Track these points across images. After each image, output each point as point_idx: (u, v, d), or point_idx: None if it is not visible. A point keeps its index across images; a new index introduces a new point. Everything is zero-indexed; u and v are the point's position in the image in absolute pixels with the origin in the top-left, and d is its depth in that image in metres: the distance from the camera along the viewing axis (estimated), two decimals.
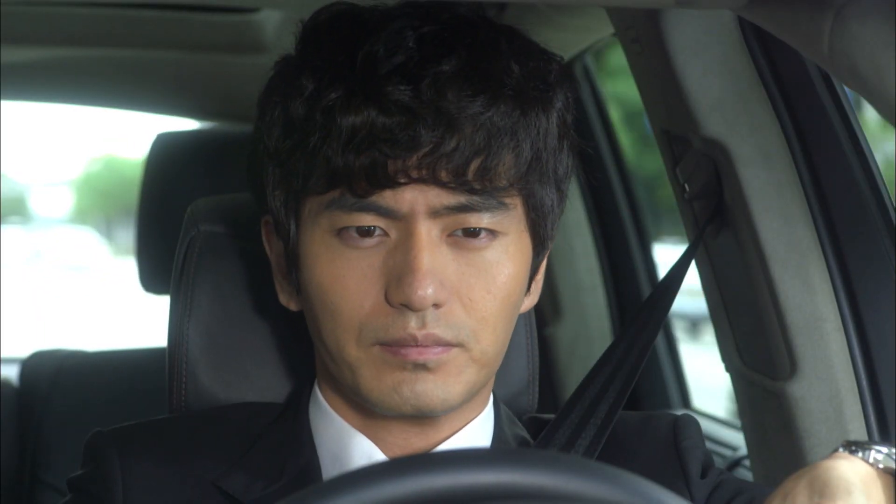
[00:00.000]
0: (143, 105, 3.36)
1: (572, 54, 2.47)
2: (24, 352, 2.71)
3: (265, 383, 1.43)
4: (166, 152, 2.65)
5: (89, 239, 31.62)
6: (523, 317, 1.45)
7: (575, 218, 2.69)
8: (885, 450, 1.06)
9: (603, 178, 2.69)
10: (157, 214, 2.60)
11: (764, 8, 1.32)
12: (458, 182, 1.23)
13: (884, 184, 1.66)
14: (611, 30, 2.01)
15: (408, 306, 1.22)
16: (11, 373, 2.68)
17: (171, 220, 1.78)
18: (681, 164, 1.72)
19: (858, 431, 1.63)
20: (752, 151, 1.64)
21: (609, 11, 1.79)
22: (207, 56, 2.77)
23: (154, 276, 2.60)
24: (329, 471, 1.32)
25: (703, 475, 1.36)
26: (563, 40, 2.25)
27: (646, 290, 2.69)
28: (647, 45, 1.68)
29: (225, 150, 2.63)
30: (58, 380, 2.57)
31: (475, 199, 1.24)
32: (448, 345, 1.24)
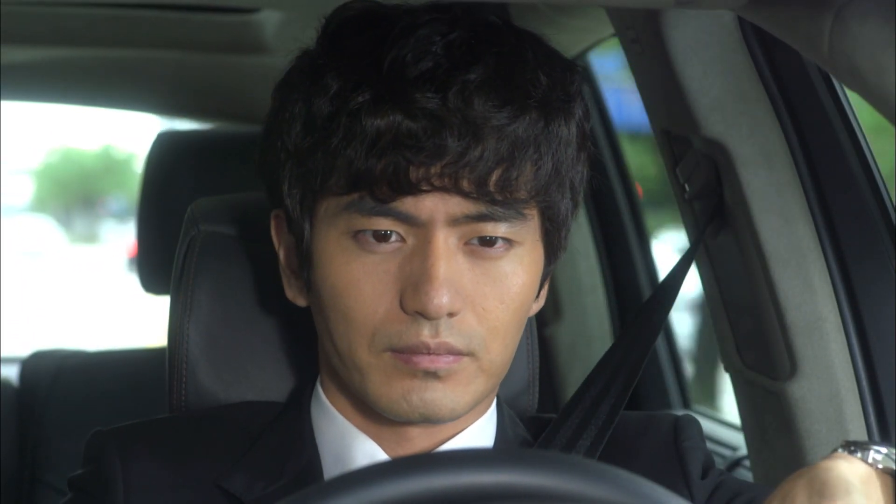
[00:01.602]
0: (143, 105, 3.36)
1: (572, 55, 2.47)
2: (24, 352, 2.72)
3: (265, 383, 1.43)
4: (167, 152, 2.65)
5: (47, 227, 32.46)
6: None
7: (575, 218, 2.68)
8: (884, 450, 1.06)
9: (603, 179, 2.69)
10: (157, 214, 2.60)
11: (764, 8, 1.32)
12: (479, 192, 1.22)
13: (884, 184, 1.66)
14: (611, 30, 2.01)
15: (423, 314, 1.22)
16: (11, 373, 2.68)
17: (171, 220, 1.78)
18: (681, 165, 1.72)
19: (858, 431, 1.63)
20: (753, 151, 1.64)
21: (609, 12, 1.79)
22: (207, 56, 2.78)
23: (154, 276, 2.60)
24: (331, 470, 1.32)
25: (704, 476, 1.36)
26: (564, 41, 2.24)
27: (646, 291, 2.69)
28: (647, 46, 1.68)
29: (225, 150, 2.63)
30: (58, 380, 2.57)
31: (496, 208, 1.23)
32: (459, 354, 1.24)
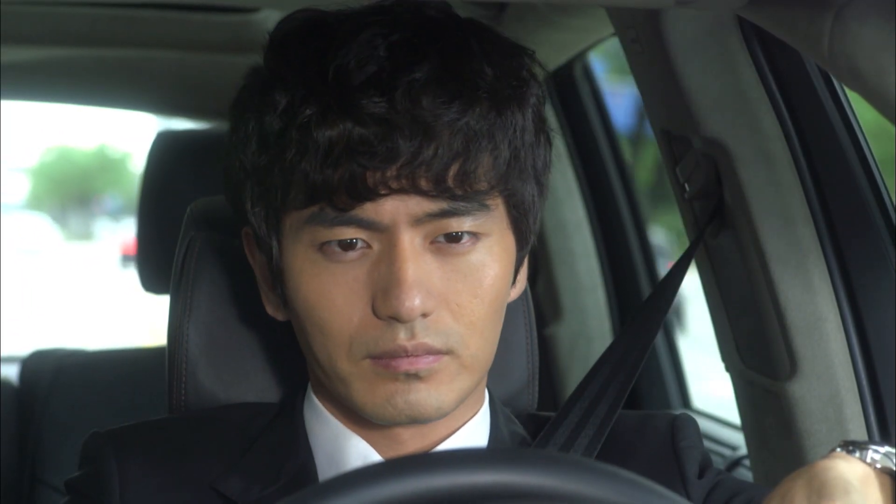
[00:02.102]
0: (143, 105, 3.37)
1: (572, 54, 2.47)
2: (24, 351, 2.72)
3: (265, 383, 1.43)
4: (166, 152, 2.65)
5: (43, 224, 33.46)
6: (523, 316, 1.45)
7: (575, 218, 2.69)
8: (882, 450, 1.06)
9: (602, 178, 2.69)
10: (157, 214, 2.60)
11: (764, 8, 1.32)
12: (438, 189, 1.22)
13: (884, 184, 1.66)
14: (611, 30, 2.01)
15: (396, 318, 1.21)
16: (11, 372, 2.68)
17: (171, 220, 1.78)
18: (681, 165, 1.72)
19: (858, 431, 1.63)
20: (752, 151, 1.64)
21: (609, 11, 1.79)
22: (207, 56, 2.78)
23: (154, 276, 2.60)
24: (325, 472, 1.32)
25: (701, 475, 1.36)
26: (563, 41, 2.25)
27: (646, 290, 2.69)
28: (647, 46, 1.68)
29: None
30: (58, 379, 2.57)
31: (457, 203, 1.23)
32: (438, 353, 1.24)
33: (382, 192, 1.21)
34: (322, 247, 1.24)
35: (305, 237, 1.24)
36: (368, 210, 1.22)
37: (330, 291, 1.24)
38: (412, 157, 1.20)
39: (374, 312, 1.23)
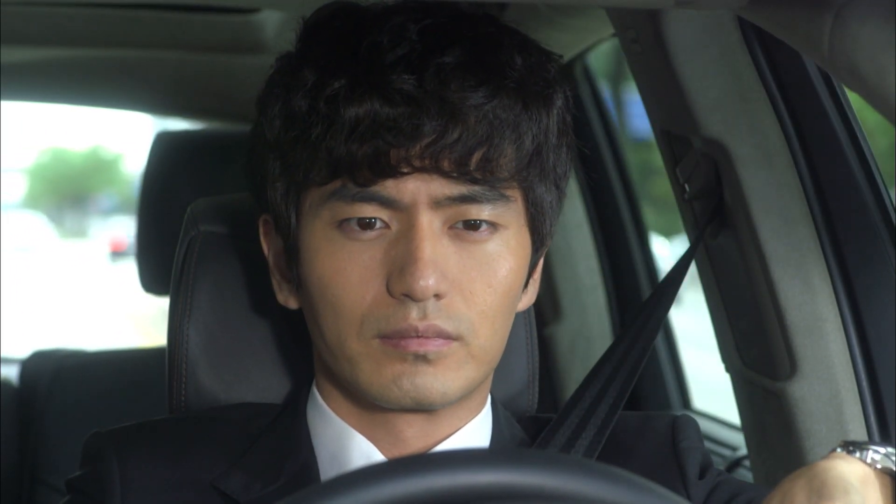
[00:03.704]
0: (143, 105, 3.36)
1: (573, 55, 2.48)
2: (24, 352, 2.72)
3: (265, 383, 1.43)
4: (166, 152, 2.65)
5: (38, 223, 34.56)
6: (523, 316, 1.46)
7: (575, 218, 2.69)
8: (882, 450, 1.06)
9: (603, 178, 2.70)
10: (157, 214, 2.60)
11: (764, 8, 1.32)
12: (460, 172, 1.23)
13: (884, 184, 1.66)
14: (611, 30, 2.01)
15: (409, 296, 1.22)
16: (11, 373, 2.69)
17: (171, 220, 1.78)
18: (681, 165, 1.72)
19: (858, 432, 1.63)
20: (752, 151, 1.64)
21: (609, 12, 1.80)
22: (207, 56, 2.78)
23: (154, 276, 2.60)
24: (327, 471, 1.32)
25: (702, 476, 1.36)
26: (564, 41, 2.25)
27: (646, 290, 2.69)
28: (647, 46, 1.68)
29: (225, 150, 2.63)
30: (58, 380, 2.58)
31: (477, 189, 1.24)
32: (449, 337, 1.24)
33: (405, 169, 1.22)
34: (341, 224, 1.25)
35: (325, 214, 1.26)
36: (390, 188, 1.23)
37: (345, 269, 1.25)
38: (437, 138, 1.22)
39: (388, 291, 1.24)
